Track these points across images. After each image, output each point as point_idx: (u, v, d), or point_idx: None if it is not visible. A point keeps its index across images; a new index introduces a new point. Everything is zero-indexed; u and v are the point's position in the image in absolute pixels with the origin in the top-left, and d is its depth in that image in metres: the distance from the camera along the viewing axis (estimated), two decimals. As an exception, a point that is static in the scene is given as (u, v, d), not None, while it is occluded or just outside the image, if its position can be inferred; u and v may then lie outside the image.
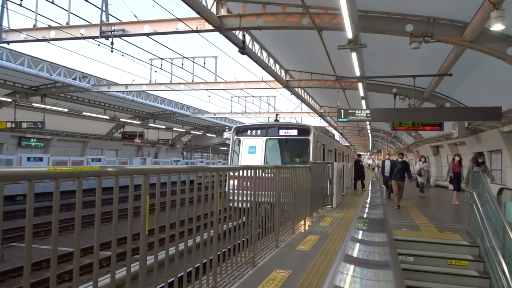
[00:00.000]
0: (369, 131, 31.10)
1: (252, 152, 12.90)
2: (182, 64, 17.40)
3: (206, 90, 21.06)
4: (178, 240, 4.01)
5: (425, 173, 16.29)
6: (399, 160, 12.71)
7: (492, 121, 11.97)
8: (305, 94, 20.33)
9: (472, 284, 6.25)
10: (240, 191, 4.83)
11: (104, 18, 10.25)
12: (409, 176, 12.49)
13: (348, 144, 46.69)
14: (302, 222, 7.95)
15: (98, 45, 10.90)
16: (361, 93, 13.65)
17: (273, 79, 15.36)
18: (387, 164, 14.40)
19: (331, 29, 8.25)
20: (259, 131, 13.29)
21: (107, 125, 34.34)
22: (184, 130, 42.80)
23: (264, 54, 12.77)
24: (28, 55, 17.24)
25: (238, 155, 13.13)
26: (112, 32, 10.02)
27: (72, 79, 19.96)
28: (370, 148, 56.63)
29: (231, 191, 4.86)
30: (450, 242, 7.14)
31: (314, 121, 31.83)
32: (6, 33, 11.50)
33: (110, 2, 10.34)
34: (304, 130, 13.19)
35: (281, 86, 16.26)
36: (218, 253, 4.14)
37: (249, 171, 4.99)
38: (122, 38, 10.43)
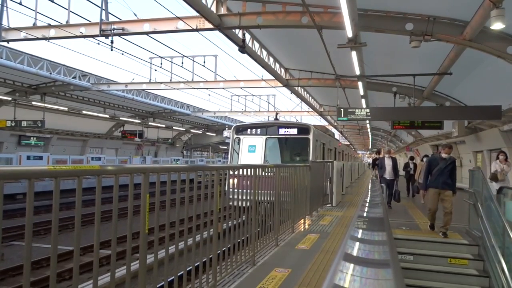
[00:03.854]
0: (369, 130, 31.11)
1: (252, 151, 12.89)
2: (182, 62, 17.43)
3: (206, 89, 21.05)
4: (178, 239, 4.01)
5: (503, 178, 9.99)
6: (443, 155, 7.67)
7: (492, 120, 11.98)
8: (305, 93, 20.32)
9: (471, 283, 6.26)
10: (240, 190, 4.84)
11: (104, 17, 10.24)
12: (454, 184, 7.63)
13: (348, 143, 46.70)
14: (302, 221, 7.96)
15: (98, 43, 10.90)
16: (361, 92, 13.65)
17: (273, 78, 15.35)
18: (388, 163, 11.50)
19: (331, 28, 8.24)
20: (259, 130, 13.28)
21: (107, 124, 34.33)
22: (184, 129, 42.80)
23: (264, 53, 12.76)
24: (28, 54, 17.23)
25: (238, 154, 13.13)
26: (112, 31, 10.01)
27: (72, 78, 19.94)
28: (370, 147, 56.60)
29: (231, 190, 4.86)
30: (450, 241, 7.15)
31: (314, 120, 31.84)
32: (6, 31, 11.48)
33: (110, 0, 10.36)
34: (303, 129, 13.19)
35: (281, 85, 16.24)
36: (218, 252, 4.14)
37: (249, 170, 4.99)
38: (122, 36, 10.41)
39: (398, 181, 11.55)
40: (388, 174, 11.32)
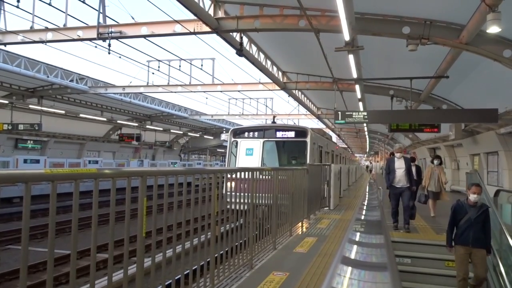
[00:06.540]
0: (366, 133, 31.14)
1: (250, 154, 12.88)
2: (180, 66, 17.41)
3: (204, 92, 21.04)
4: (175, 243, 4.01)
5: None
6: (472, 197, 5.46)
7: (489, 123, 12.01)
8: (303, 96, 20.35)
9: (469, 286, 6.26)
10: (238, 193, 4.83)
11: (101, 20, 10.23)
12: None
13: (346, 146, 46.73)
14: (300, 224, 7.95)
15: (96, 47, 10.88)
16: (358, 95, 13.67)
17: (270, 81, 15.38)
18: (399, 165, 8.15)
19: (328, 31, 8.27)
20: (256, 133, 13.28)
21: (104, 127, 34.26)
22: (181, 132, 42.75)
23: (262, 56, 12.78)
24: (25, 57, 17.18)
25: (236, 157, 13.12)
26: (109, 34, 10.00)
27: (69, 81, 19.90)
28: (367, 150, 56.65)
29: (228, 193, 4.85)
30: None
31: (312, 123, 31.90)
32: (3, 34, 11.46)
33: (107, 4, 10.33)
34: (301, 132, 13.20)
35: (279, 88, 16.28)
36: (216, 255, 4.13)
37: (246, 173, 4.99)
38: (119, 40, 10.41)
39: (414, 191, 8.64)
40: (398, 182, 8.09)
